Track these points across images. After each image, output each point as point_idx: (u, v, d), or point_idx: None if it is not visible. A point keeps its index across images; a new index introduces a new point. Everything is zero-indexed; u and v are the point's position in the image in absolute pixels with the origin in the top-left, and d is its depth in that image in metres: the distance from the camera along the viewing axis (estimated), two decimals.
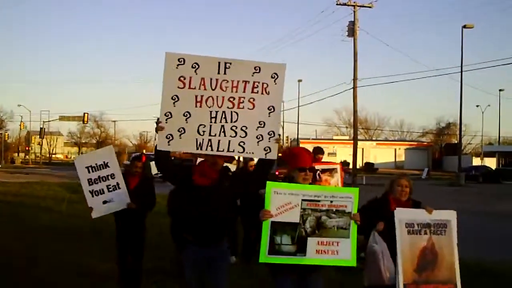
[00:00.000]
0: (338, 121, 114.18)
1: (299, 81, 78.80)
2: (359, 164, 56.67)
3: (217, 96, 6.20)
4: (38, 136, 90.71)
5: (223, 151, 6.18)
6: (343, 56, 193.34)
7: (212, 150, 6.16)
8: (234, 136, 6.21)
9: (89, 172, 8.77)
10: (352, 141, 52.26)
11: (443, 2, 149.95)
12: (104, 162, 8.80)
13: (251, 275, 9.76)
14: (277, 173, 13.56)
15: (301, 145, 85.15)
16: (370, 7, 47.18)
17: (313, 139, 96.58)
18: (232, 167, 12.27)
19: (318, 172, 10.64)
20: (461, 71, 49.08)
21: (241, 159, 14.32)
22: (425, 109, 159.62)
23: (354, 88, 46.81)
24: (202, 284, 6.29)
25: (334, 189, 5.71)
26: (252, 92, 6.24)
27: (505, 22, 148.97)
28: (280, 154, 6.82)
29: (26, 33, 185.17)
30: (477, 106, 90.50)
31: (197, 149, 6.17)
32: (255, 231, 5.85)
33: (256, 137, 6.23)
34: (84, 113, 77.06)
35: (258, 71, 6.26)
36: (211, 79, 6.20)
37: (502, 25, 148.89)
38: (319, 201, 5.59)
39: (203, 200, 6.08)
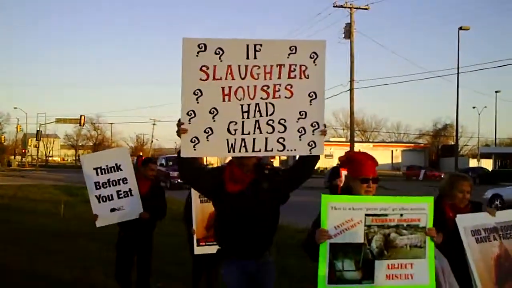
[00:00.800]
0: (335, 123, 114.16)
1: None
2: None
3: (248, 86, 5.24)
4: (35, 138, 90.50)
5: (259, 151, 5.27)
6: (340, 58, 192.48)
7: (247, 151, 5.24)
8: (272, 132, 5.28)
9: (97, 174, 7.87)
10: (349, 143, 52.34)
11: (439, 4, 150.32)
12: (116, 164, 7.91)
13: None
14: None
15: None
16: (366, 9, 47.22)
17: None
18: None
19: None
20: (458, 73, 49.09)
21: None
22: (421, 111, 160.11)
23: (351, 90, 46.85)
24: None
25: (404, 199, 4.60)
26: (289, 77, 5.28)
27: (501, 24, 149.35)
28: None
29: (23, 35, 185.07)
30: (474, 107, 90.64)
31: (229, 151, 5.24)
32: None
33: (298, 130, 5.29)
34: (81, 116, 77.13)
35: (294, 51, 5.28)
36: (239, 66, 5.23)
37: (498, 26, 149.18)
38: (386, 215, 4.58)
39: (238, 209, 5.32)
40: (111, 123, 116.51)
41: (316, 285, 4.48)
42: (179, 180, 31.56)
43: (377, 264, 4.55)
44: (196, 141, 5.16)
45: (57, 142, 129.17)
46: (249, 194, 5.33)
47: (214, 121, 5.18)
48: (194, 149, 5.17)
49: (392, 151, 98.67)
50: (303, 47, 5.32)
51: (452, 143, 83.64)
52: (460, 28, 49.15)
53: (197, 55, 5.18)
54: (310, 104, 5.29)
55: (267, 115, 5.26)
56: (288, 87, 5.27)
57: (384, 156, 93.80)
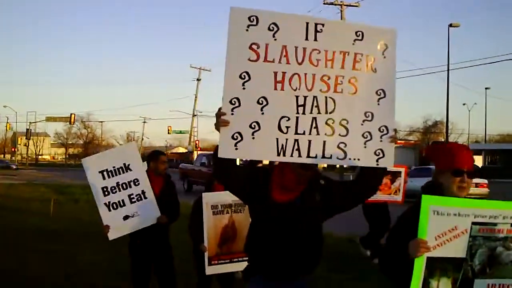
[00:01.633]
0: None
1: None
2: None
3: (305, 74, 4.27)
4: (25, 137, 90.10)
5: (315, 157, 4.24)
6: None
7: (300, 156, 4.22)
8: (331, 134, 4.28)
9: (103, 178, 6.94)
10: None
11: (429, 1, 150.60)
12: (124, 164, 7.00)
13: None
14: None
15: None
16: (357, 6, 47.22)
17: None
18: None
19: None
20: (448, 70, 49.23)
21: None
22: (412, 108, 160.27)
23: None
24: None
25: None
26: (354, 68, 4.36)
27: (491, 21, 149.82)
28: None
29: (13, 34, 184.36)
30: (464, 104, 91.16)
31: (279, 154, 4.21)
32: None
33: (363, 135, 4.32)
34: (71, 114, 76.59)
35: (360, 37, 4.37)
36: (296, 48, 4.29)
37: (488, 23, 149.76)
38: (495, 224, 3.60)
39: (282, 222, 4.29)
40: (101, 122, 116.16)
41: None
42: None
43: (476, 283, 3.67)
44: (239, 138, 4.17)
45: (47, 141, 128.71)
46: (298, 206, 4.31)
47: (263, 113, 4.21)
48: (236, 148, 4.17)
49: None
50: (371, 34, 4.44)
51: (443, 140, 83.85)
52: (450, 25, 49.26)
53: (247, 30, 4.30)
54: (378, 104, 4.36)
55: (326, 112, 4.30)
56: (352, 80, 4.36)
57: None
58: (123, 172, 6.98)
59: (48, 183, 38.16)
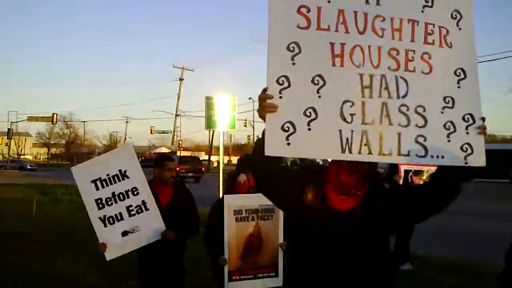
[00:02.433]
0: None
1: None
2: None
3: (369, 47, 3.31)
4: (6, 137, 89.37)
5: (390, 154, 3.24)
6: None
7: (371, 152, 3.22)
8: (406, 125, 3.28)
9: (97, 188, 6.03)
10: None
11: None
12: (120, 171, 6.07)
13: None
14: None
15: None
16: None
17: None
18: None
19: (411, 174, 9.99)
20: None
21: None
22: None
23: None
24: None
25: None
26: (425, 42, 3.42)
27: (481, 21, 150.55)
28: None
29: None
30: None
31: (344, 151, 3.21)
32: None
33: (444, 126, 3.33)
34: (53, 114, 76.04)
35: (429, 3, 3.45)
36: (355, 13, 3.35)
37: (479, 23, 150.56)
38: None
39: (343, 236, 3.23)
40: (84, 121, 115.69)
41: None
42: None
43: None
44: (291, 130, 3.14)
45: (29, 141, 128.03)
46: (361, 215, 3.30)
47: (320, 96, 3.20)
48: (288, 143, 3.14)
49: None
50: (442, 1, 3.51)
51: None
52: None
53: None
54: (458, 87, 3.41)
55: (398, 96, 3.31)
56: (425, 57, 3.40)
57: None
58: (119, 181, 6.05)
59: (30, 183, 37.89)
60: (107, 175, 6.04)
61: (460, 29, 3.51)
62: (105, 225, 5.99)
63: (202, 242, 6.33)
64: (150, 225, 6.01)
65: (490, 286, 5.29)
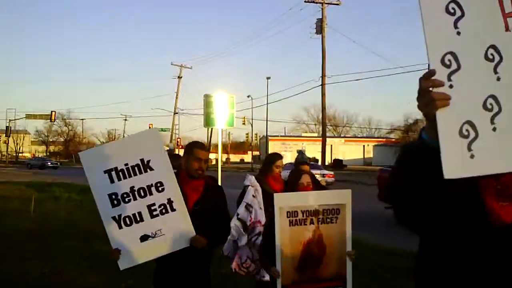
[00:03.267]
0: (306, 118, 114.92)
1: (268, 78, 78.67)
2: (328, 161, 57.04)
3: None
4: (4, 134, 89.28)
5: None
6: (312, 54, 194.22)
7: None
8: None
9: (111, 181, 4.83)
10: (320, 138, 52.48)
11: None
12: (142, 160, 4.85)
13: None
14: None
15: (270, 142, 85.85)
16: (338, 4, 47.43)
17: (282, 136, 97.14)
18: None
19: None
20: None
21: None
22: (393, 106, 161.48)
23: (323, 85, 47.04)
24: None
25: None
26: None
27: None
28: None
29: None
30: None
31: None
32: None
33: None
34: (52, 111, 76.02)
35: None
36: None
37: None
38: None
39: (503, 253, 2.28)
40: (82, 119, 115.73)
41: None
42: None
43: None
44: (472, 134, 2.12)
45: (28, 138, 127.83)
46: None
47: (499, 79, 2.15)
48: (471, 155, 2.11)
49: (363, 146, 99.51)
50: None
51: None
52: None
53: None
54: None
55: None
56: None
57: (356, 151, 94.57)
58: (141, 173, 4.86)
59: (28, 182, 37.83)
60: (125, 164, 4.84)
61: None
62: (120, 227, 4.82)
63: None
64: (177, 229, 4.87)
65: None
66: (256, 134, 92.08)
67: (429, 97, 2.13)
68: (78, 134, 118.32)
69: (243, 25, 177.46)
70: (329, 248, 4.84)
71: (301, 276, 4.82)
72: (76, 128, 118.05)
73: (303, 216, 4.78)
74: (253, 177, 6.62)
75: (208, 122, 15.82)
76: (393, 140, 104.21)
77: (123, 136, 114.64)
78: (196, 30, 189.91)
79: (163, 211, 4.87)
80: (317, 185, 5.65)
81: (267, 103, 78.20)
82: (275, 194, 5.00)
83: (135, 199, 4.85)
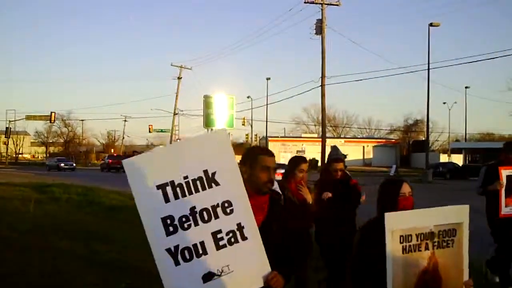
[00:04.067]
0: (306, 118, 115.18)
1: (268, 79, 78.71)
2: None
3: None
4: (4, 135, 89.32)
5: None
6: (311, 54, 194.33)
7: None
8: None
9: (166, 199, 3.63)
10: (320, 139, 52.32)
11: (409, 0, 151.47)
12: (206, 172, 3.68)
13: None
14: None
15: (270, 143, 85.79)
16: (337, 5, 47.30)
17: (281, 137, 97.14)
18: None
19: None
20: (428, 69, 49.56)
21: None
22: (393, 107, 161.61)
23: (322, 86, 46.93)
24: None
25: None
26: None
27: (470, 20, 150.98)
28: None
29: None
30: (444, 103, 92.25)
31: None
32: None
33: None
34: (51, 112, 76.07)
35: None
36: None
37: (468, 23, 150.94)
38: None
39: None
40: (82, 120, 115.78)
41: None
42: None
43: None
44: None
45: (27, 139, 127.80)
46: None
47: None
48: None
49: (363, 146, 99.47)
50: None
51: (423, 139, 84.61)
52: (431, 25, 49.73)
53: None
54: None
55: None
56: None
57: (356, 152, 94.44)
58: (204, 189, 3.65)
59: (28, 183, 37.80)
60: (185, 178, 3.63)
61: None
62: (177, 263, 3.62)
63: None
64: (249, 264, 3.74)
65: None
66: (256, 135, 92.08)
67: None
68: (78, 135, 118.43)
69: (242, 26, 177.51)
70: (445, 279, 3.87)
71: None
72: (76, 129, 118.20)
73: (417, 240, 3.76)
74: (276, 182, 5.57)
75: (208, 123, 15.87)
76: (393, 140, 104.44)
77: (123, 137, 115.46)
78: (196, 30, 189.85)
79: (232, 240, 3.67)
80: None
81: (267, 104, 78.30)
82: (386, 215, 3.71)
83: (196, 224, 3.62)
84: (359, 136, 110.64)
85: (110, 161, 72.09)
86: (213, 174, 3.66)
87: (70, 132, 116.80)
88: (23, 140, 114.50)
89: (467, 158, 68.96)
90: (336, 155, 7.25)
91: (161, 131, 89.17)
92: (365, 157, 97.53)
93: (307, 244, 6.62)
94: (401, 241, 3.72)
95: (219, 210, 3.66)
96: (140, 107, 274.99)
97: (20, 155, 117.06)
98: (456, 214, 3.94)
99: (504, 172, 8.16)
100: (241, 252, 3.68)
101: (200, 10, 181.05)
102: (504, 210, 8.20)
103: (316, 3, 47.13)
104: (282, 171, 7.15)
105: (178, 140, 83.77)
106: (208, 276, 3.65)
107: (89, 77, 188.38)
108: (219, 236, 3.65)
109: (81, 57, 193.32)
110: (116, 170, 66.21)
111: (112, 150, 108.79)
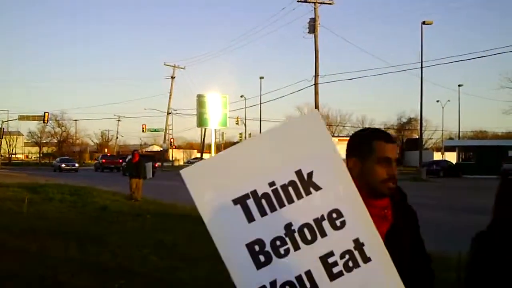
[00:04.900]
0: None
1: (261, 78, 78.59)
2: None
3: None
4: None
5: None
6: (305, 53, 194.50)
7: None
8: None
9: (248, 217, 2.40)
10: None
11: None
12: (299, 173, 2.47)
13: None
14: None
15: None
16: (330, 3, 47.40)
17: None
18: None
19: None
20: (421, 67, 49.67)
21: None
22: (386, 105, 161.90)
23: (316, 84, 47.01)
24: None
25: None
26: None
27: (463, 19, 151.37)
28: None
29: None
30: (437, 101, 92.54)
31: None
32: None
33: None
34: (45, 113, 75.92)
35: None
36: None
37: (460, 21, 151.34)
38: None
39: None
40: (75, 120, 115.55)
41: None
42: None
43: None
44: None
45: (21, 140, 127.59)
46: None
47: None
48: None
49: None
50: None
51: (417, 137, 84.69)
52: (423, 23, 49.83)
53: None
54: None
55: None
56: None
57: None
58: (300, 197, 2.48)
59: (21, 183, 37.70)
60: (271, 184, 2.47)
61: None
62: None
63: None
64: None
65: None
66: (249, 134, 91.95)
67: None
68: (72, 135, 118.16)
69: (236, 25, 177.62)
70: None
71: None
72: (69, 129, 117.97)
73: None
74: None
75: (201, 122, 15.90)
76: None
77: (117, 137, 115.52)
78: (189, 30, 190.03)
79: (350, 264, 2.46)
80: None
81: (260, 103, 78.18)
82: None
83: (297, 248, 2.43)
84: None
85: (103, 160, 72.21)
86: (310, 174, 2.53)
87: (64, 132, 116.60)
88: (16, 141, 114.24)
89: (461, 156, 68.99)
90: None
91: (155, 130, 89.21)
92: None
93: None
94: None
95: (325, 224, 2.49)
96: (134, 106, 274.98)
97: (13, 156, 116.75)
98: None
99: None
100: (365, 280, 2.49)
101: (193, 9, 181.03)
102: None
103: (309, 2, 47.19)
104: None
105: (171, 140, 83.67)
106: None
107: (82, 77, 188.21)
108: (330, 260, 2.46)
109: (74, 57, 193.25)
110: (110, 169, 66.72)
111: (106, 150, 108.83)
